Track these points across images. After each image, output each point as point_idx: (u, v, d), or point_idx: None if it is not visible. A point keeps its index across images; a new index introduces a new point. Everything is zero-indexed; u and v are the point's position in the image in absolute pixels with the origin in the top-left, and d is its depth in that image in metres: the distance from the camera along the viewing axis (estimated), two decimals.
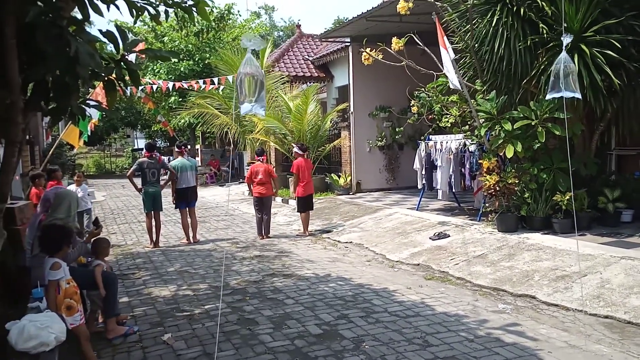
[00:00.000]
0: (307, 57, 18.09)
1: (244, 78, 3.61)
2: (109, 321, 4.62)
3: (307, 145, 11.38)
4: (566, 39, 4.59)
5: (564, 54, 4.44)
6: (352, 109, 13.64)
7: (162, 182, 9.17)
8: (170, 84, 14.07)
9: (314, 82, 16.13)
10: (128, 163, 36.15)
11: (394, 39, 8.27)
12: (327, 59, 16.77)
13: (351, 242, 8.78)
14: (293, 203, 12.81)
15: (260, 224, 9.44)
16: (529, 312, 4.97)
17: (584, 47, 6.75)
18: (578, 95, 4.55)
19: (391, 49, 8.35)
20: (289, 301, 5.45)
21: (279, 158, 16.42)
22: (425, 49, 8.68)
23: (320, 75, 17.20)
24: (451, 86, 7.95)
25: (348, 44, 13.56)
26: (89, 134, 11.49)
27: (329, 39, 14.86)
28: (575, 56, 6.73)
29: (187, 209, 9.22)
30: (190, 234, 9.20)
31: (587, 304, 4.95)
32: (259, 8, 43.38)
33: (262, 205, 9.42)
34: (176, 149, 9.71)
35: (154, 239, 8.83)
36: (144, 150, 9.44)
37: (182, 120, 20.40)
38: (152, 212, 8.80)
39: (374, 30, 11.66)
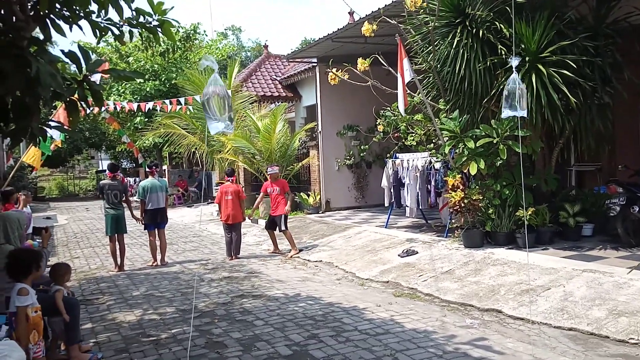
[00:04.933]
0: (275, 77, 18.20)
1: (211, 97, 3.61)
2: (71, 348, 4.46)
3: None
4: (515, 61, 4.79)
5: (514, 75, 4.63)
6: (320, 128, 13.75)
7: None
8: (135, 105, 13.88)
9: (282, 102, 16.21)
10: (92, 185, 35.30)
11: (360, 60, 8.42)
12: (294, 79, 16.91)
13: (321, 260, 8.76)
14: (262, 223, 12.75)
15: (230, 245, 9.34)
16: (495, 326, 5.04)
17: (541, 67, 7.02)
18: (524, 114, 4.76)
19: (357, 69, 8.50)
20: (259, 322, 5.38)
21: (247, 178, 16.35)
22: (390, 69, 8.86)
23: (289, 95, 17.30)
24: (401, 111, 8.14)
25: (315, 64, 13.72)
26: (51, 154, 11.20)
27: (296, 59, 15.01)
28: (533, 76, 7.01)
29: (156, 230, 9.06)
30: (159, 257, 9.02)
31: (552, 317, 5.06)
32: (225, 29, 43.41)
33: (231, 227, 9.33)
34: (147, 169, 9.56)
35: (119, 262, 8.62)
36: (107, 171, 9.27)
37: (148, 141, 20.13)
38: (116, 235, 8.61)
39: (340, 50, 11.85)
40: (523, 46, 7.15)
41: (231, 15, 61.13)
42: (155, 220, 9.02)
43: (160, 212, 9.07)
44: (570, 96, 6.95)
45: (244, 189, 10.28)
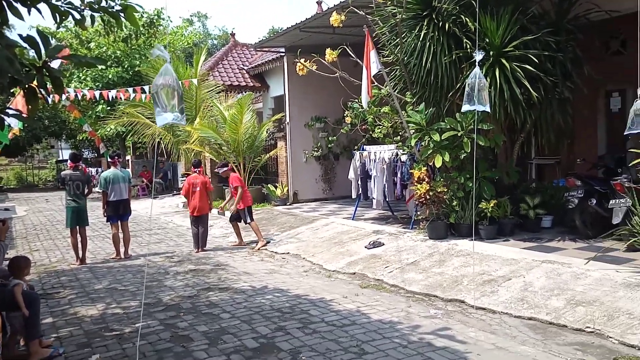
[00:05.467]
0: (242, 66, 17.98)
1: (160, 89, 3.54)
2: (31, 343, 4.33)
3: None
4: (479, 55, 4.85)
5: (477, 70, 4.70)
6: (288, 119, 13.68)
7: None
8: (98, 92, 13.48)
9: (249, 92, 16.03)
10: (52, 175, 34.23)
11: (328, 50, 8.40)
12: (262, 69, 16.75)
13: (288, 253, 8.76)
14: (229, 214, 12.63)
15: (197, 237, 9.23)
16: (458, 316, 5.16)
17: (504, 61, 7.15)
18: (488, 109, 4.83)
19: (325, 60, 8.47)
20: (225, 315, 5.35)
21: (214, 169, 16.15)
22: (358, 61, 8.86)
23: (256, 84, 17.13)
24: (364, 104, 8.17)
25: (283, 54, 13.61)
26: (9, 143, 10.78)
27: (264, 49, 14.86)
28: (497, 70, 7.14)
29: (119, 222, 8.86)
30: (122, 249, 8.83)
31: (512, 307, 5.21)
32: (191, 15, 42.51)
33: (198, 220, 9.22)
34: (109, 159, 9.31)
35: (80, 255, 8.41)
36: (68, 161, 8.99)
37: (111, 130, 19.61)
38: (78, 227, 8.38)
39: (309, 41, 11.79)
40: (487, 40, 7.27)
41: (197, 1, 59.94)
42: (117, 212, 8.81)
43: (123, 203, 8.87)
44: (532, 90, 7.12)
45: (210, 180, 10.13)
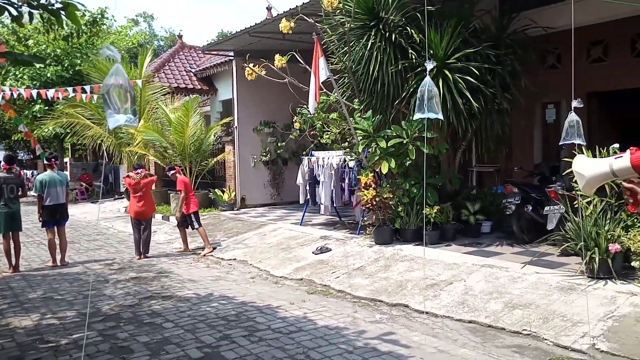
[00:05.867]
0: (189, 68, 17.64)
1: (111, 89, 3.42)
2: None
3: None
4: (429, 65, 4.99)
5: (427, 79, 4.83)
6: (236, 124, 13.54)
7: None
8: (35, 92, 12.84)
9: (196, 95, 15.75)
10: None
11: (277, 56, 8.39)
12: (210, 72, 16.49)
13: (235, 259, 8.66)
14: (174, 220, 12.34)
15: (138, 243, 8.95)
16: (402, 321, 5.27)
17: (447, 72, 7.41)
18: (440, 117, 4.97)
19: (274, 66, 8.46)
20: (168, 325, 5.21)
21: (159, 173, 15.74)
22: (307, 67, 8.91)
23: (204, 87, 16.85)
24: (311, 110, 8.24)
25: (232, 58, 13.48)
26: None
27: (212, 52, 14.65)
28: (440, 81, 7.37)
29: (56, 228, 8.46)
30: (58, 257, 8.43)
31: (454, 310, 5.38)
32: (136, 15, 41.29)
33: (141, 224, 8.95)
34: (45, 162, 8.87)
35: (14, 262, 7.97)
36: (2, 163, 8.50)
37: (48, 131, 18.74)
38: (11, 233, 7.95)
39: (258, 45, 11.74)
40: (432, 52, 7.50)
41: (143, 1, 58.25)
42: (54, 217, 8.42)
43: (60, 208, 8.48)
44: (473, 101, 7.42)
45: (154, 184, 9.87)
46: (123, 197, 16.72)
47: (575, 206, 6.11)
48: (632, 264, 5.49)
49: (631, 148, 2.15)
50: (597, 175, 2.24)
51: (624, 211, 5.95)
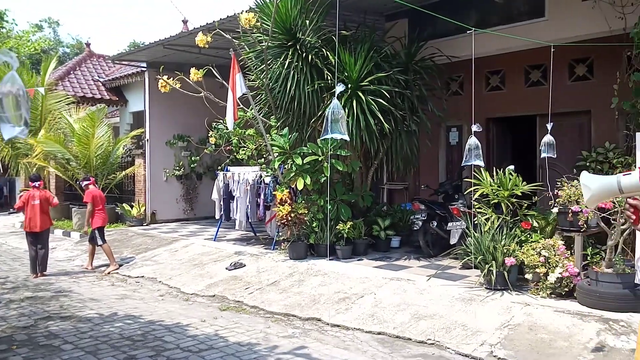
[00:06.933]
0: (97, 78, 16.82)
1: (4, 98, 3.22)
2: None
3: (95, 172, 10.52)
4: (339, 88, 5.19)
5: (335, 102, 5.02)
6: (147, 136, 13.08)
7: None
8: None
9: (104, 105, 15.02)
10: None
11: (193, 70, 8.27)
12: (121, 82, 15.84)
13: (143, 276, 8.30)
14: (75, 236, 11.63)
15: (35, 260, 8.31)
16: (315, 334, 5.33)
17: (360, 94, 7.73)
18: (346, 137, 5.18)
19: (190, 79, 8.33)
20: (67, 347, 4.89)
21: (60, 186, 14.77)
22: (224, 82, 8.86)
23: (113, 98, 16.12)
24: (229, 126, 8.23)
25: (144, 69, 13.06)
26: None
27: (123, 62, 14.12)
28: (354, 102, 7.67)
29: None
30: None
31: (364, 323, 5.53)
32: (40, 21, 38.73)
33: (37, 239, 8.32)
34: None
35: None
36: None
37: None
38: None
39: (173, 58, 11.50)
40: (346, 74, 7.79)
41: (47, 5, 54.77)
42: None
43: None
44: (384, 122, 7.79)
45: (55, 198, 9.22)
46: (18, 212, 15.47)
47: (475, 222, 6.58)
48: (526, 276, 5.96)
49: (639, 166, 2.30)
50: (603, 189, 2.26)
51: (519, 228, 6.50)
